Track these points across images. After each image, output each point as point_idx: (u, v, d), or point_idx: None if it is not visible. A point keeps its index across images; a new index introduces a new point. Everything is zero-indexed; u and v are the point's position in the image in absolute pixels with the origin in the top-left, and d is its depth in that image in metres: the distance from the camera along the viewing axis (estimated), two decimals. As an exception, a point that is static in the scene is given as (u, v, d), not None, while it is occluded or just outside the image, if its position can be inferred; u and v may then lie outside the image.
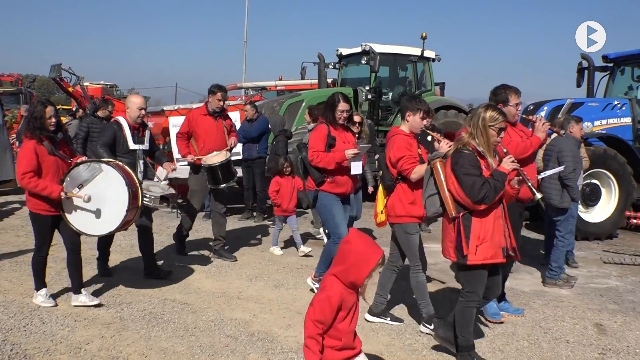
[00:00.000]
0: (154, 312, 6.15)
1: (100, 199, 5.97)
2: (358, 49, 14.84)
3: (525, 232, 11.29)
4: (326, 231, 8.34)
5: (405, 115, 5.87)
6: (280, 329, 5.83)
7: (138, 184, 6.32)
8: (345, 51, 15.59)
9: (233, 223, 11.21)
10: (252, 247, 9.48)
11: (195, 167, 8.31)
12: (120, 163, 6.41)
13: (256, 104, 12.58)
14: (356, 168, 6.64)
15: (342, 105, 6.61)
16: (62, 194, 5.83)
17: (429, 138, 6.13)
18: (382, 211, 6.08)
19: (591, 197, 10.84)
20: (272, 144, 11.57)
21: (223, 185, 8.28)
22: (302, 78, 19.47)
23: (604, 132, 11.57)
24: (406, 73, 15.67)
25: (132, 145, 7.08)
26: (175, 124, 12.50)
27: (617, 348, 5.72)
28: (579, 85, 13.08)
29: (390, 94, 15.30)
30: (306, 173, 6.79)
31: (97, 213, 6.00)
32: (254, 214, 11.76)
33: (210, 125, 8.33)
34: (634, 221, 8.99)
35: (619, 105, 11.87)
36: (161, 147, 12.73)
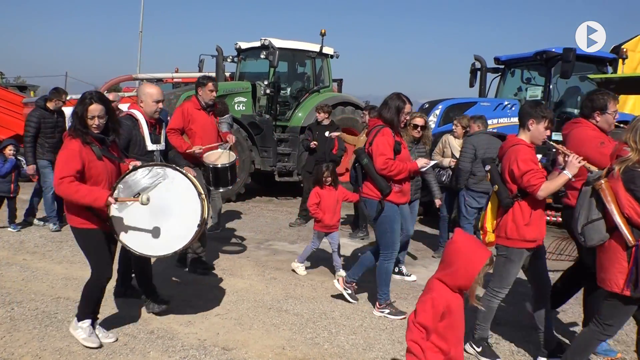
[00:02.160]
0: (47, 311, 5.91)
1: (163, 211, 5.03)
2: (257, 43, 14.81)
3: (419, 227, 11.61)
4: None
5: (527, 123, 5.11)
6: (180, 326, 5.73)
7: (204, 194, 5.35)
8: (244, 45, 15.54)
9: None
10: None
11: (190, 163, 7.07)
12: (187, 167, 5.58)
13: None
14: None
15: (408, 108, 6.19)
16: (111, 199, 4.74)
17: (553, 150, 5.48)
18: (493, 231, 5.26)
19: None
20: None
21: (223, 189, 7.75)
22: (200, 71, 19.21)
23: (494, 130, 12.00)
24: (305, 69, 15.82)
25: (150, 146, 6.11)
26: (67, 114, 12.07)
27: (509, 336, 5.96)
28: (471, 85, 13.59)
29: (289, 89, 15.39)
30: (364, 181, 6.31)
31: (158, 229, 5.05)
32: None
33: (206, 120, 7.66)
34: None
35: (509, 105, 12.35)
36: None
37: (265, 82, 14.42)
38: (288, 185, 14.78)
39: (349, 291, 6.66)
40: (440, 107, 12.40)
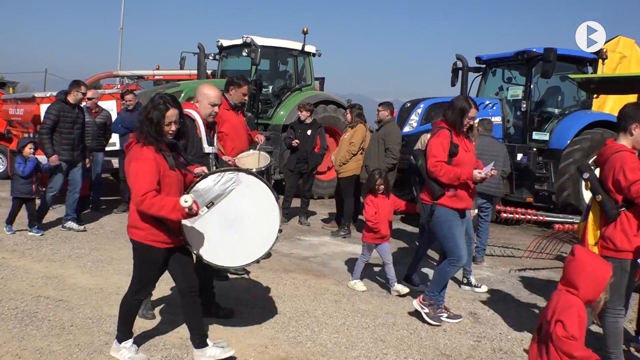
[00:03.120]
0: (26, 310, 5.83)
1: (240, 219, 4.76)
2: (239, 41, 14.80)
3: (398, 225, 11.65)
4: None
5: (629, 127, 4.81)
6: (162, 325, 5.69)
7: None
8: (226, 42, 15.53)
9: (110, 216, 10.93)
10: (129, 240, 9.08)
11: None
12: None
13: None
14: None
15: (473, 112, 5.95)
16: (184, 206, 4.32)
17: None
18: (595, 243, 4.94)
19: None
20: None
21: None
22: (181, 68, 19.20)
23: (474, 130, 12.11)
24: (287, 67, 15.82)
25: (207, 148, 5.78)
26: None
27: (491, 335, 6.01)
28: (453, 84, 13.66)
29: (271, 88, 15.39)
30: (421, 184, 6.16)
31: (235, 238, 4.77)
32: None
33: (236, 121, 7.10)
34: (504, 215, 9.45)
35: (490, 104, 12.46)
36: (31, 135, 12.20)
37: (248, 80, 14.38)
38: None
39: (426, 310, 6.16)
40: (421, 106, 12.48)
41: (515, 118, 12.73)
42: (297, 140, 10.82)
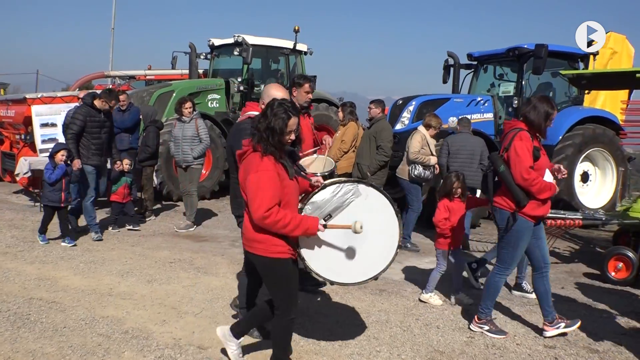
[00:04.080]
0: (19, 312, 5.85)
1: (357, 232, 4.41)
2: (230, 40, 14.81)
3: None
4: None
5: None
6: (155, 325, 5.72)
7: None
8: (217, 42, 15.51)
9: (102, 215, 10.90)
10: (121, 242, 9.22)
11: None
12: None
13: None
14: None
15: (554, 115, 5.69)
16: (321, 227, 4.28)
17: None
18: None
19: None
20: (142, 134, 11.30)
21: None
22: (173, 68, 19.19)
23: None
24: (278, 65, 15.84)
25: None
26: (38, 112, 11.99)
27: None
28: (445, 81, 13.71)
29: (262, 86, 15.30)
30: (495, 189, 5.85)
31: (353, 253, 4.54)
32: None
33: (303, 124, 6.54)
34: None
35: (482, 101, 12.49)
36: (22, 137, 12.18)
37: (239, 79, 14.46)
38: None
39: (487, 327, 5.96)
40: (413, 103, 12.45)
41: (507, 114, 12.75)
42: None
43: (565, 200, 11.71)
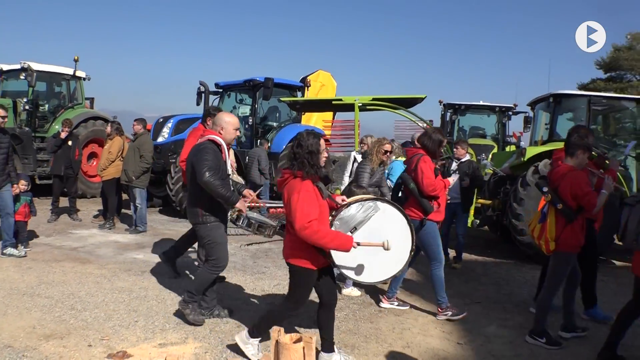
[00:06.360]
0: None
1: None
2: (18, 66, 14.66)
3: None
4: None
5: (576, 153, 5.14)
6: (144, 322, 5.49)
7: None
8: (5, 67, 15.26)
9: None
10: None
11: None
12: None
13: None
14: None
15: (445, 142, 6.07)
16: (355, 244, 4.24)
17: None
18: (554, 239, 5.18)
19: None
20: None
21: None
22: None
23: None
24: (61, 88, 15.86)
25: (229, 171, 5.46)
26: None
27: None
28: (198, 104, 14.27)
29: (47, 106, 15.27)
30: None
31: (375, 258, 4.52)
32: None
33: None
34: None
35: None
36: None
37: (25, 99, 14.16)
38: (48, 187, 14.34)
39: (450, 312, 6.03)
40: (172, 121, 13.05)
41: (245, 130, 13.56)
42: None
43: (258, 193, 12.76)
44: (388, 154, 7.25)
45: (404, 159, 7.50)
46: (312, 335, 4.03)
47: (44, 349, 4.79)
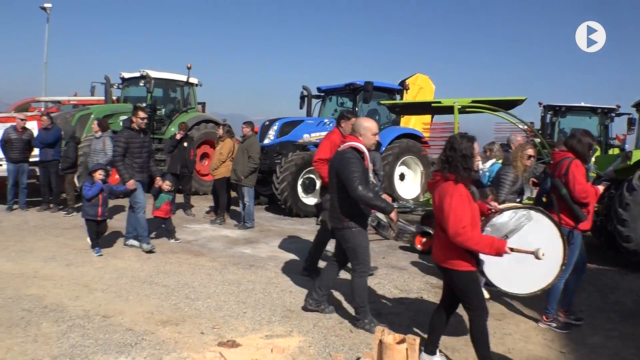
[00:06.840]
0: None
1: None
2: (137, 74, 15.39)
3: (264, 213, 12.22)
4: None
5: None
6: (69, 301, 5.74)
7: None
8: (127, 75, 16.06)
9: (34, 213, 11.04)
10: (48, 233, 9.21)
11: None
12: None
13: (53, 115, 12.57)
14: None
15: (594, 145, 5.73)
16: (508, 249, 3.96)
17: None
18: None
19: (310, 187, 12.30)
20: (64, 148, 11.40)
21: None
22: (92, 95, 19.19)
23: (318, 141, 12.87)
24: (176, 94, 16.48)
25: (370, 177, 5.32)
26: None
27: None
28: (301, 107, 14.56)
29: (164, 110, 15.94)
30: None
31: (523, 268, 4.24)
32: (50, 205, 11.51)
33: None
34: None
35: (327, 122, 13.46)
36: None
37: (144, 105, 14.73)
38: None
39: (554, 325, 5.68)
40: (277, 123, 13.24)
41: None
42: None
43: (389, 194, 12.66)
44: (532, 159, 6.50)
45: (501, 160, 7.11)
46: (416, 337, 3.94)
47: (160, 333, 4.98)
